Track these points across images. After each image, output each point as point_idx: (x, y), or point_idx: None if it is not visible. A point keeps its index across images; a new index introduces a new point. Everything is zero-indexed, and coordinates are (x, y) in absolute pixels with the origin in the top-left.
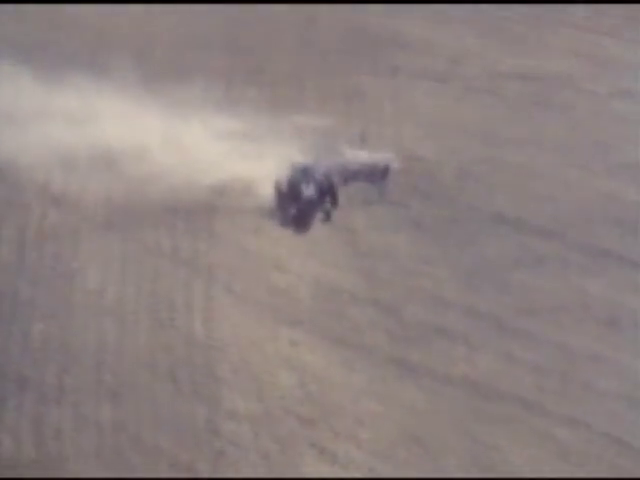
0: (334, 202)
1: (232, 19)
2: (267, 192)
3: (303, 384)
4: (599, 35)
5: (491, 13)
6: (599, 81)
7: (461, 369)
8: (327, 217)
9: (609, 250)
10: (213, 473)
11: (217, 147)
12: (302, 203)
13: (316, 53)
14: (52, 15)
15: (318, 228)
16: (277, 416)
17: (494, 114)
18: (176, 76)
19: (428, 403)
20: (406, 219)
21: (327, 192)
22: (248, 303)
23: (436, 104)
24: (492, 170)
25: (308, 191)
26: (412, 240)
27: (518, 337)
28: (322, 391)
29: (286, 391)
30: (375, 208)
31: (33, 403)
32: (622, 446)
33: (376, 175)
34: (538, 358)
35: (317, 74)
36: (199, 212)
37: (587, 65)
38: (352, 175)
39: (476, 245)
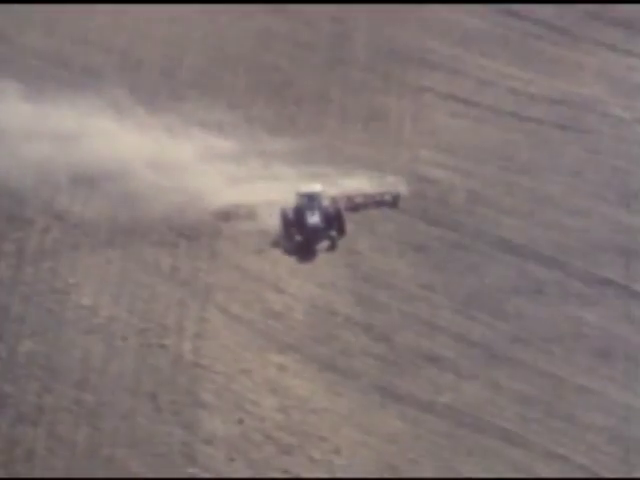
0: (341, 231)
1: (260, 35)
2: (272, 217)
3: (285, 409)
4: (636, 58)
5: (525, 32)
6: (627, 106)
7: (446, 398)
8: (332, 246)
9: (611, 279)
10: None
11: (221, 169)
12: (307, 231)
13: (343, 71)
14: (80, 30)
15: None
16: (255, 441)
17: (514, 138)
18: (201, 94)
19: (408, 432)
20: (411, 243)
21: (333, 220)
22: (242, 324)
23: (458, 125)
24: (503, 195)
25: (313, 219)
26: (414, 264)
27: (508, 366)
28: (303, 417)
29: (267, 415)
30: (382, 231)
31: (9, 422)
32: None
33: (385, 203)
34: (525, 388)
35: (342, 93)
36: (202, 232)
37: (617, 89)
38: (360, 205)
39: (478, 271)
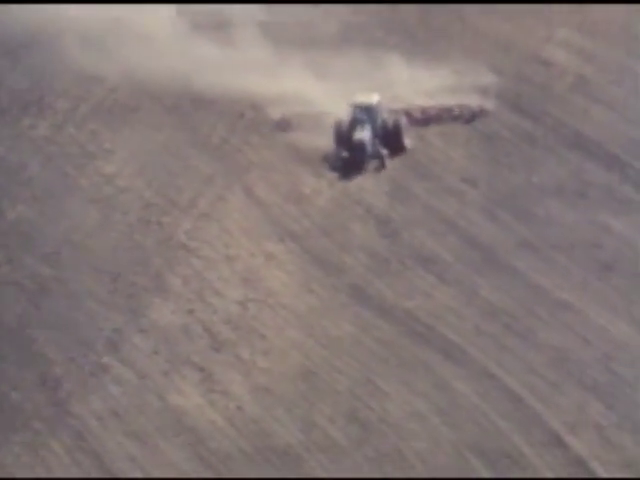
0: (397, 149)
1: None
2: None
3: (245, 302)
4: None
5: None
6: None
7: (412, 303)
8: (382, 165)
9: None
10: None
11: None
12: (352, 147)
13: None
14: None
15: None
16: (191, 334)
17: None
18: None
19: (351, 337)
20: (483, 131)
21: (390, 137)
22: (259, 207)
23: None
24: (612, 85)
25: (360, 134)
26: (472, 155)
27: (499, 274)
28: (258, 312)
29: (222, 308)
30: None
31: None
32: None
33: (461, 118)
34: (501, 300)
35: None
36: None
37: None
38: (432, 119)
39: (531, 167)
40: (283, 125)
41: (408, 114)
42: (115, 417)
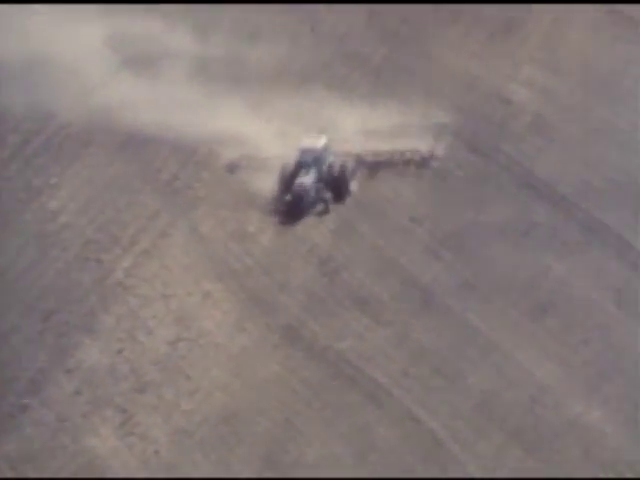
0: (341, 195)
1: None
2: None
3: (176, 342)
4: None
5: None
6: None
7: (345, 345)
8: (325, 210)
9: (608, 226)
10: None
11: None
12: (294, 191)
13: None
14: None
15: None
16: (116, 375)
17: None
18: None
19: (279, 379)
20: (437, 169)
21: (336, 182)
22: (202, 244)
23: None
24: (570, 124)
25: (303, 178)
26: (421, 192)
27: (434, 315)
28: (188, 352)
29: (152, 347)
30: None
31: None
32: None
33: (413, 163)
34: (432, 341)
35: None
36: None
37: None
38: (382, 163)
39: (480, 206)
40: (232, 168)
41: (358, 158)
42: (28, 461)
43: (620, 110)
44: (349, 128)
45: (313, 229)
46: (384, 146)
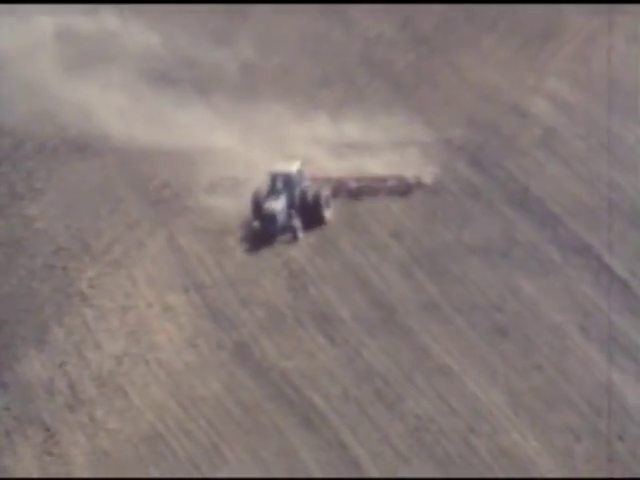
0: (317, 220)
1: None
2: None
3: (122, 357)
4: None
5: None
6: None
7: (291, 364)
8: (294, 237)
9: (590, 247)
10: None
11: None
12: (262, 217)
13: None
14: None
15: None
16: (51, 390)
17: None
18: None
19: (217, 398)
20: (433, 186)
21: (309, 209)
22: (176, 255)
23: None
24: (580, 140)
25: (271, 204)
26: (410, 208)
27: (391, 336)
28: (132, 368)
29: (97, 362)
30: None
31: None
32: None
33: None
34: (383, 363)
35: None
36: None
37: None
38: (363, 191)
39: (465, 224)
40: (210, 190)
41: (341, 184)
42: None
43: (632, 127)
44: (338, 141)
45: (293, 243)
46: (372, 164)
